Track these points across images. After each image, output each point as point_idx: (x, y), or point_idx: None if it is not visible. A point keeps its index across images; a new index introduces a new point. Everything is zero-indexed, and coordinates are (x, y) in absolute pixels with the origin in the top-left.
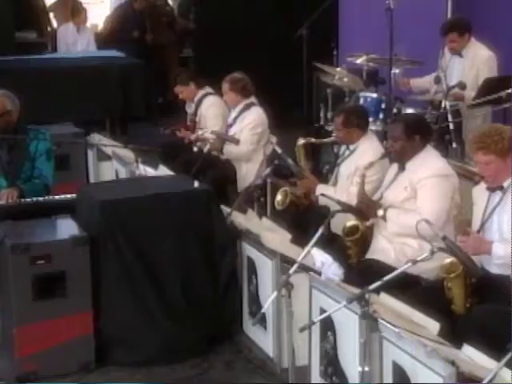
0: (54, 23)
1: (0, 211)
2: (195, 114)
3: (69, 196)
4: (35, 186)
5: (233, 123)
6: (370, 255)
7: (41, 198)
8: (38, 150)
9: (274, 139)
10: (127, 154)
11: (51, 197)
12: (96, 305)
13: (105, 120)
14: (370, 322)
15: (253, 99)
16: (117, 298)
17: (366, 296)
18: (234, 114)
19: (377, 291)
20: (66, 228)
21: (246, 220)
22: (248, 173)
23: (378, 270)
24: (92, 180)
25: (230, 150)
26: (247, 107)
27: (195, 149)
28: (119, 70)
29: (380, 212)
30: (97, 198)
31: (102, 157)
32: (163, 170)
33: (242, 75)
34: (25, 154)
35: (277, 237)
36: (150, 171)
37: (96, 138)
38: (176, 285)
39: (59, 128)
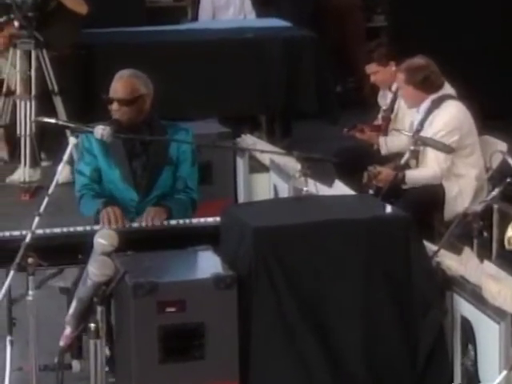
0: None
1: (120, 239)
2: (391, 108)
3: (210, 220)
4: (181, 203)
5: (420, 129)
6: None
7: (173, 222)
8: (181, 154)
9: (503, 146)
10: (291, 163)
11: (187, 221)
12: (244, 371)
13: (260, 116)
14: None
15: (444, 91)
16: (272, 363)
17: None
18: (419, 116)
19: None
20: (206, 264)
21: (459, 263)
22: (462, 193)
23: None
24: (242, 198)
25: (414, 175)
26: (436, 104)
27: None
28: (283, 46)
29: None
30: (248, 224)
31: (257, 167)
32: (341, 188)
33: (426, 61)
34: (163, 159)
35: (507, 290)
36: (322, 189)
37: (248, 140)
38: (355, 350)
39: (199, 126)
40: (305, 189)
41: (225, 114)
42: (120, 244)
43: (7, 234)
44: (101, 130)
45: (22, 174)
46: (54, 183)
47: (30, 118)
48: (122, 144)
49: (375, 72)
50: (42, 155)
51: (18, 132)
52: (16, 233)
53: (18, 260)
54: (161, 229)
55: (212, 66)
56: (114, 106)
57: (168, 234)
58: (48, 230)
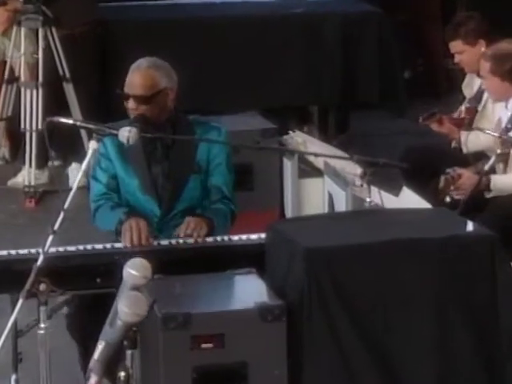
0: None
1: (146, 259)
2: (479, 97)
3: (253, 237)
4: (221, 214)
5: (510, 128)
6: None
7: (208, 239)
8: (213, 158)
9: None
10: (349, 166)
11: (225, 238)
12: None
13: (311, 107)
14: None
15: None
16: None
17: None
18: (508, 113)
19: None
20: (250, 291)
21: None
22: None
23: None
24: (290, 210)
25: (501, 180)
26: None
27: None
28: (340, 24)
29: None
30: (299, 244)
31: (308, 170)
32: (410, 197)
33: None
34: (189, 166)
35: None
36: (387, 198)
37: (298, 138)
38: None
39: (236, 121)
40: (368, 200)
41: (268, 105)
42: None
43: (13, 252)
44: (126, 133)
45: (27, 175)
46: (70, 195)
47: (36, 110)
48: (141, 147)
49: (461, 51)
50: (51, 153)
51: (22, 126)
52: (23, 251)
53: (28, 287)
54: (194, 247)
55: (253, 48)
56: (131, 104)
57: (203, 254)
58: (61, 249)
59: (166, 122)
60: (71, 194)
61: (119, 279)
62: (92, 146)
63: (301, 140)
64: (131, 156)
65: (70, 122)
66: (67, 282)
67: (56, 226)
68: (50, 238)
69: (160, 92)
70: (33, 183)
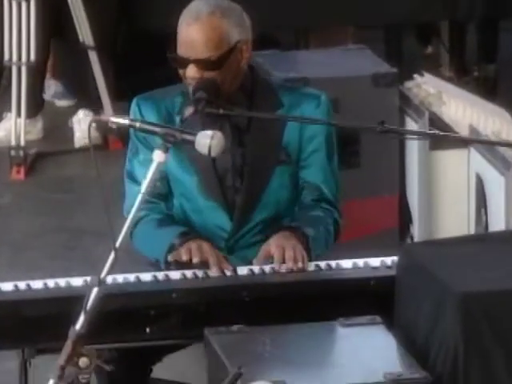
0: None
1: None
2: None
3: (374, 263)
4: (321, 225)
5: None
6: None
7: (311, 269)
8: (307, 140)
9: None
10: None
11: (332, 264)
12: None
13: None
14: None
15: None
16: None
17: None
18: None
19: None
20: (375, 353)
21: None
22: None
23: None
24: (416, 197)
25: None
26: None
27: None
28: None
29: None
30: (449, 285)
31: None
32: None
33: None
34: (274, 151)
35: None
36: None
37: (428, 87)
38: None
39: (336, 61)
40: None
41: (375, 21)
42: (220, 309)
43: (22, 286)
44: (207, 140)
45: (14, 130)
46: (122, 234)
47: (27, 33)
48: (201, 129)
49: None
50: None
51: (6, 56)
52: (37, 284)
53: (62, 362)
54: (288, 281)
55: None
56: (191, 72)
57: (301, 292)
58: (88, 278)
59: (240, 93)
60: (122, 233)
61: (176, 328)
62: (157, 157)
63: (433, 90)
64: (188, 145)
65: (126, 122)
66: (103, 334)
67: (103, 274)
68: (95, 291)
69: (232, 50)
70: (22, 143)
